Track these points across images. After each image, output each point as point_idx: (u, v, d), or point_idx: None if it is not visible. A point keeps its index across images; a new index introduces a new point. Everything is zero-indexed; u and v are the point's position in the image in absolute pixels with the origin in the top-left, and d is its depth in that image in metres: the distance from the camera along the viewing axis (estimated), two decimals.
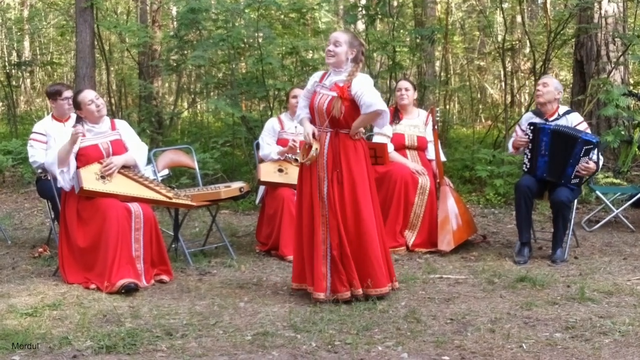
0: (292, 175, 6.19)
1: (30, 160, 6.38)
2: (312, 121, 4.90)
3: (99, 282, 5.13)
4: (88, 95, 5.50)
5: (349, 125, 4.80)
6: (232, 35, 8.78)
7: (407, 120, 6.68)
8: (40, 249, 6.29)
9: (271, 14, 10.16)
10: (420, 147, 6.66)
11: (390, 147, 6.43)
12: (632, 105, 8.75)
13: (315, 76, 5.02)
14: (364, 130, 5.02)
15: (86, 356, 3.88)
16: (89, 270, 5.25)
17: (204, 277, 5.56)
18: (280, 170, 6.29)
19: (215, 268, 5.83)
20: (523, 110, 11.38)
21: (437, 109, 6.84)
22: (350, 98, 4.74)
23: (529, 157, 6.05)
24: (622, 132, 8.39)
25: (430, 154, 6.69)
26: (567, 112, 6.12)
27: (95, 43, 9.69)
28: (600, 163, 6.04)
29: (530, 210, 6.11)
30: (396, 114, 6.61)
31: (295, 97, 6.29)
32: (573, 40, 9.70)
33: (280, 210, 6.11)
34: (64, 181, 5.35)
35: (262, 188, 6.52)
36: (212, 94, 11.61)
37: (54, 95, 6.40)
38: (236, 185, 6.24)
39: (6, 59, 14.77)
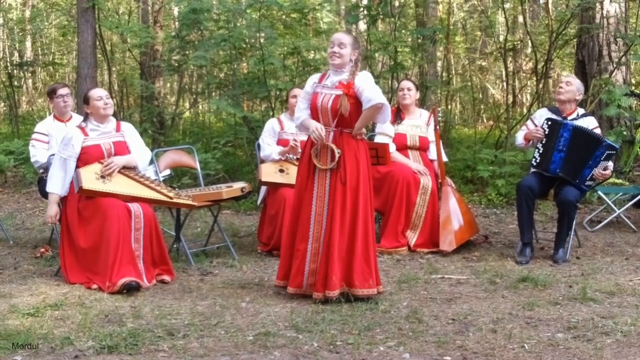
0: (293, 175, 6.16)
1: (32, 160, 6.38)
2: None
3: (101, 282, 5.13)
4: (99, 92, 5.57)
5: (352, 125, 4.81)
6: (233, 36, 8.78)
7: (409, 120, 6.68)
8: (42, 249, 6.29)
9: (273, 14, 10.17)
10: (422, 148, 6.66)
11: (392, 147, 6.43)
12: (634, 106, 8.76)
13: (314, 78, 5.01)
14: (365, 131, 5.02)
15: (88, 356, 3.88)
16: (91, 270, 5.25)
17: (206, 277, 5.56)
18: (281, 171, 6.28)
19: (217, 268, 5.83)
20: (525, 110, 11.37)
21: (439, 109, 6.83)
22: (355, 95, 4.77)
23: (540, 151, 6.00)
24: (624, 132, 8.39)
25: (432, 154, 6.68)
26: (585, 115, 6.13)
27: (97, 43, 9.69)
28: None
29: (532, 211, 6.10)
30: (398, 114, 6.61)
31: (294, 97, 6.29)
32: (575, 40, 9.69)
33: (281, 211, 6.11)
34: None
35: (263, 188, 6.52)
36: (213, 94, 11.62)
37: (50, 94, 6.47)
38: (238, 185, 6.24)
39: (8, 59, 14.79)
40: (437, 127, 6.63)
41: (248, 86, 9.22)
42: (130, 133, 5.67)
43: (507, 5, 11.45)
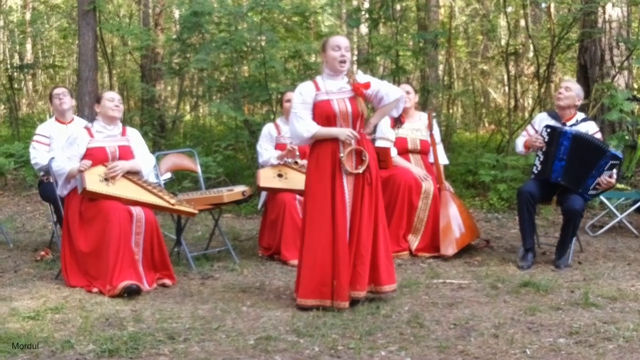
0: (291, 180, 6.18)
1: (32, 162, 6.38)
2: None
3: (101, 285, 5.12)
4: (112, 94, 5.64)
5: (361, 125, 4.85)
6: (234, 39, 8.78)
7: (409, 124, 6.66)
8: (43, 252, 6.28)
9: (274, 17, 10.17)
10: (423, 151, 6.64)
11: (394, 152, 6.42)
12: (636, 110, 8.76)
13: (309, 86, 4.86)
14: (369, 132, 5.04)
15: None
16: (91, 274, 5.25)
17: (207, 281, 5.54)
18: (279, 176, 6.27)
19: (217, 272, 5.82)
20: (527, 114, 11.36)
21: (434, 113, 6.82)
22: (363, 95, 4.81)
23: (541, 159, 5.96)
24: (626, 137, 8.38)
25: (432, 157, 6.67)
26: (585, 120, 6.09)
27: (98, 46, 9.70)
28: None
29: (533, 216, 6.08)
30: (398, 118, 6.58)
31: (288, 101, 6.25)
32: (577, 44, 9.69)
33: (281, 215, 6.10)
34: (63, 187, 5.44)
35: (264, 193, 6.51)
36: (214, 97, 11.61)
37: (49, 96, 6.49)
38: (239, 189, 6.23)
39: (8, 62, 14.79)
40: (432, 131, 6.61)
41: (249, 89, 9.21)
42: (135, 138, 5.69)
43: (509, 9, 11.46)
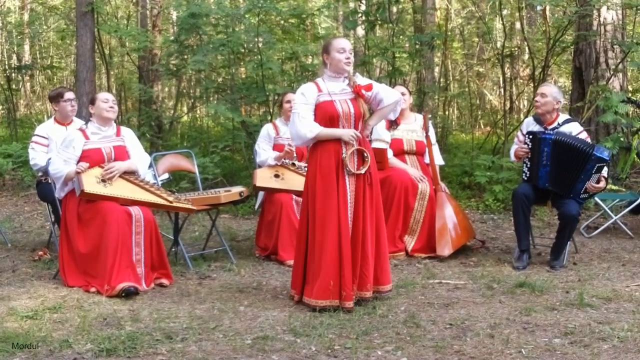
0: (288, 180, 6.21)
1: (31, 163, 6.39)
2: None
3: (99, 285, 5.14)
4: (106, 95, 5.64)
5: (359, 126, 4.88)
6: (232, 40, 8.81)
7: (404, 125, 6.69)
8: (41, 252, 6.29)
9: (271, 19, 10.20)
10: (419, 152, 6.67)
11: (390, 153, 6.45)
12: (631, 112, 8.79)
13: (311, 88, 4.87)
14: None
15: (86, 359, 3.89)
16: (89, 274, 5.26)
17: (204, 281, 5.57)
18: (276, 176, 6.29)
19: (215, 272, 5.84)
20: (522, 116, 11.40)
21: (429, 115, 6.84)
22: (364, 97, 4.85)
23: (528, 166, 6.02)
24: (621, 139, 8.42)
25: (428, 158, 6.69)
26: (567, 121, 6.07)
27: (96, 47, 9.71)
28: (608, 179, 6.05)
29: (528, 218, 6.11)
30: (394, 120, 6.60)
31: (288, 102, 6.29)
32: (572, 47, 9.73)
33: (278, 216, 6.12)
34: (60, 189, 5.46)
35: (261, 193, 6.53)
36: (211, 98, 11.63)
37: (56, 98, 6.44)
38: (236, 189, 6.26)
39: (6, 63, 14.78)
40: (428, 133, 6.64)
41: (246, 91, 9.23)
42: (130, 138, 5.70)
43: (504, 12, 11.49)
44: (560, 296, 5.09)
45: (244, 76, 10.33)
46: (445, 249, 6.25)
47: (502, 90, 11.91)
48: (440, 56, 12.15)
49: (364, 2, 9.64)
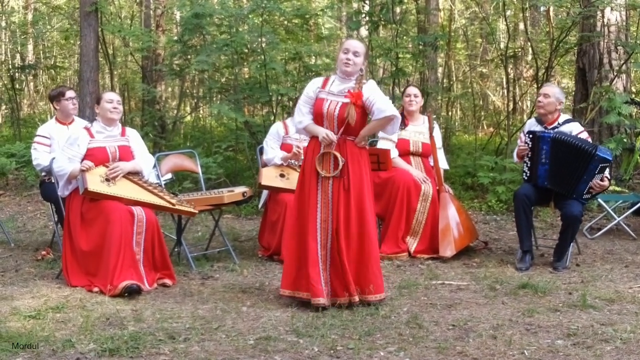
0: (293, 181, 6.19)
1: (34, 163, 6.39)
2: None
3: (102, 285, 5.15)
4: (111, 95, 5.63)
5: (356, 133, 4.82)
6: (235, 41, 8.81)
7: (412, 126, 6.69)
8: (44, 252, 6.31)
9: (275, 19, 10.20)
10: (424, 154, 6.67)
11: (394, 153, 6.45)
12: (634, 113, 8.78)
13: (317, 82, 4.97)
14: (367, 138, 5.04)
15: (89, 359, 3.89)
16: (92, 273, 5.27)
17: (207, 281, 5.57)
18: (281, 176, 6.30)
19: (217, 272, 5.85)
20: (525, 117, 11.40)
21: (434, 116, 6.84)
22: (361, 105, 4.77)
23: (528, 165, 6.02)
24: (625, 140, 8.42)
25: (432, 160, 6.69)
26: (567, 121, 6.08)
27: (99, 47, 9.72)
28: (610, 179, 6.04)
29: (530, 218, 6.11)
30: (402, 120, 6.59)
31: None
32: (575, 48, 9.72)
33: (282, 216, 6.12)
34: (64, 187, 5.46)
35: (264, 193, 6.54)
36: (215, 98, 11.64)
37: (57, 97, 6.45)
38: (239, 189, 6.26)
39: (10, 62, 14.81)
40: (432, 134, 6.63)
41: (249, 91, 9.24)
42: (134, 139, 5.72)
43: (508, 13, 11.49)
44: (563, 297, 5.08)
45: (247, 76, 10.33)
46: (447, 250, 6.25)
47: (505, 91, 11.91)
48: (443, 57, 12.14)
49: (367, 2, 9.64)
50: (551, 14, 10.73)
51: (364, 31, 11.84)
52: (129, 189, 5.41)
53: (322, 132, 4.79)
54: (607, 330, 4.35)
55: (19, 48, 15.39)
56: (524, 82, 12.89)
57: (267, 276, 5.75)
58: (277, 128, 6.61)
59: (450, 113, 12.80)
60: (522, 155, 6.09)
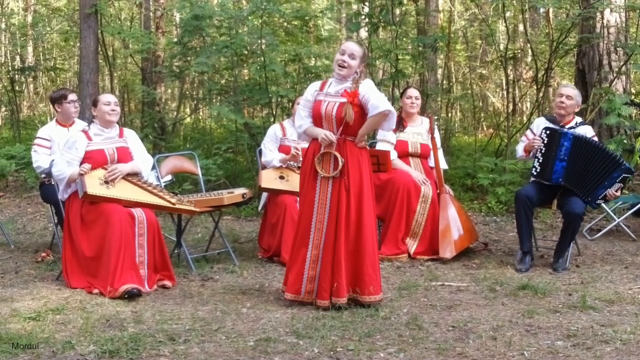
0: (293, 182, 6.21)
1: (34, 165, 6.40)
2: None
3: (102, 287, 5.15)
4: (108, 97, 5.62)
5: (355, 133, 4.82)
6: (235, 42, 8.81)
7: (411, 127, 6.69)
8: (43, 254, 6.31)
9: (274, 21, 10.20)
10: (424, 155, 6.67)
11: (394, 155, 6.45)
12: (634, 115, 8.79)
13: (315, 85, 5.00)
14: (367, 138, 5.04)
15: None
16: (92, 275, 5.27)
17: (207, 283, 5.57)
18: (281, 177, 6.30)
19: (217, 274, 5.85)
20: (525, 118, 11.40)
21: (435, 117, 6.84)
22: (359, 104, 4.78)
23: (540, 161, 5.98)
24: (624, 141, 8.42)
25: (432, 161, 6.70)
26: (582, 123, 6.14)
27: (99, 49, 9.72)
28: None
29: (531, 220, 6.10)
30: (400, 122, 6.59)
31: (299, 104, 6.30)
32: (575, 49, 9.73)
33: (282, 218, 6.13)
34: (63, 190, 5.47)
35: (264, 195, 6.54)
36: (214, 100, 11.64)
37: (59, 99, 6.44)
38: (239, 191, 6.26)
39: (10, 64, 14.82)
40: (433, 135, 6.64)
41: (249, 93, 9.24)
42: (133, 140, 5.71)
43: (507, 14, 11.49)
44: (563, 298, 5.09)
45: (247, 78, 10.34)
46: (447, 251, 6.25)
47: (505, 92, 11.91)
48: (443, 58, 12.14)
49: (367, 4, 9.65)
50: (551, 15, 10.74)
51: (363, 33, 11.85)
52: (128, 190, 5.41)
53: (321, 132, 4.81)
54: (607, 331, 4.35)
55: (18, 50, 15.40)
56: (524, 83, 12.90)
57: (267, 278, 5.75)
58: (274, 130, 6.61)
59: (450, 114, 12.81)
60: (530, 148, 6.08)
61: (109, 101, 5.55)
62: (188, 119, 13.17)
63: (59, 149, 5.95)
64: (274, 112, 9.41)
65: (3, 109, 14.83)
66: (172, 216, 6.40)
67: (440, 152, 6.73)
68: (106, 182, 5.36)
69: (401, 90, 7.59)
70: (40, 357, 3.92)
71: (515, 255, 6.22)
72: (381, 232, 6.47)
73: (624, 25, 9.32)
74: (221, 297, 5.15)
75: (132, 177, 5.53)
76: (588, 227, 7.37)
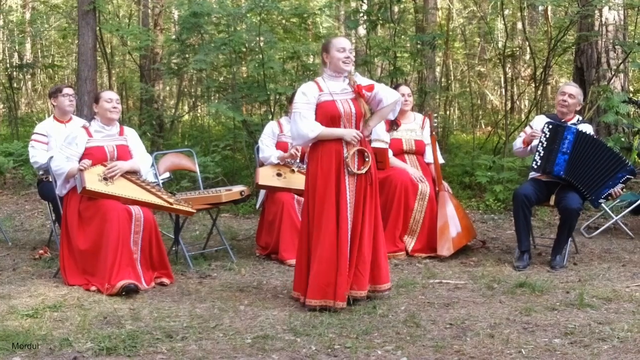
0: (290, 180, 6.21)
1: (32, 161, 6.40)
2: None
3: (99, 284, 5.15)
4: (110, 94, 5.62)
5: (358, 127, 4.87)
6: (233, 40, 8.80)
7: (404, 125, 6.67)
8: (41, 251, 6.30)
9: (273, 18, 10.20)
10: (419, 151, 6.67)
11: (390, 153, 6.44)
12: (632, 113, 8.79)
13: (312, 88, 4.86)
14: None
15: (86, 358, 3.90)
16: (90, 272, 5.27)
17: (204, 280, 5.57)
18: (279, 175, 6.30)
19: (215, 271, 5.85)
20: (523, 116, 11.40)
21: (435, 114, 6.83)
22: (366, 97, 4.85)
23: (541, 154, 5.95)
24: (622, 139, 8.42)
25: (428, 157, 6.69)
26: (582, 121, 6.16)
27: (97, 46, 9.72)
28: None
29: (529, 219, 6.10)
30: (394, 121, 6.55)
31: None
32: (573, 47, 9.73)
33: (280, 215, 6.13)
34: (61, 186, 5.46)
35: (262, 192, 6.54)
36: (213, 97, 11.63)
37: (55, 93, 6.47)
38: (237, 188, 6.26)
39: (8, 61, 14.81)
40: (434, 132, 6.64)
41: (247, 90, 9.23)
42: (132, 138, 5.72)
43: (506, 12, 11.49)
44: (561, 296, 5.09)
45: (245, 75, 10.33)
46: (445, 249, 6.26)
47: (503, 90, 11.91)
48: (441, 56, 12.15)
49: (365, 1, 9.64)
50: (549, 13, 10.74)
51: (362, 30, 11.84)
52: (127, 188, 5.41)
53: (351, 131, 4.78)
54: (605, 329, 4.35)
55: (16, 47, 15.40)
56: (522, 81, 12.91)
57: (265, 275, 5.75)
58: (271, 127, 6.61)
59: (448, 112, 12.81)
60: (529, 140, 6.08)
61: (110, 98, 5.55)
62: (186, 117, 13.18)
63: (57, 144, 5.95)
64: (272, 110, 9.40)
65: (1, 106, 14.82)
66: (170, 214, 6.40)
67: (436, 147, 6.72)
68: (105, 179, 5.36)
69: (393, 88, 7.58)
70: (37, 355, 3.92)
71: (513, 253, 6.22)
72: None
73: (622, 23, 9.31)
74: (219, 294, 5.15)
75: (131, 175, 5.53)
76: (586, 225, 7.38)
